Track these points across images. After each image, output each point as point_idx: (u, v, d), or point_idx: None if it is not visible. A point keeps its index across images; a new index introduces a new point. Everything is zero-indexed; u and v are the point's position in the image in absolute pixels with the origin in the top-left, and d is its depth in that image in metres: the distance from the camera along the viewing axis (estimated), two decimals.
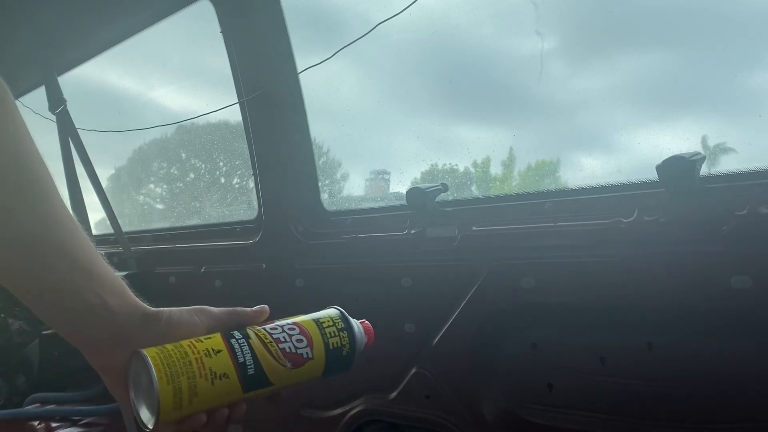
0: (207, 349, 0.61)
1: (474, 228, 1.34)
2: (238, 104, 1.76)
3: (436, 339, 1.38)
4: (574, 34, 1.56)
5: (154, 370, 0.57)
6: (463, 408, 1.35)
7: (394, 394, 1.47)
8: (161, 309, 0.64)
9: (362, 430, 1.56)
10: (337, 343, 0.69)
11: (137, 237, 2.33)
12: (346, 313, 0.73)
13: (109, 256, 2.30)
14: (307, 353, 0.67)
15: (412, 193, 1.40)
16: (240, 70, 1.73)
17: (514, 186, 1.71)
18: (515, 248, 1.26)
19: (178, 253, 2.08)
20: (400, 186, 1.86)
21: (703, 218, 1.04)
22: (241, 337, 0.64)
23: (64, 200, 0.60)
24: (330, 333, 0.69)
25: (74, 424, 2.06)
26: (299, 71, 1.67)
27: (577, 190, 1.28)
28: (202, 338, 0.62)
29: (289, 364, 0.65)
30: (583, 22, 1.51)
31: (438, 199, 1.43)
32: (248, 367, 0.62)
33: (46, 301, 0.59)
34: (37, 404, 2.21)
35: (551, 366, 1.24)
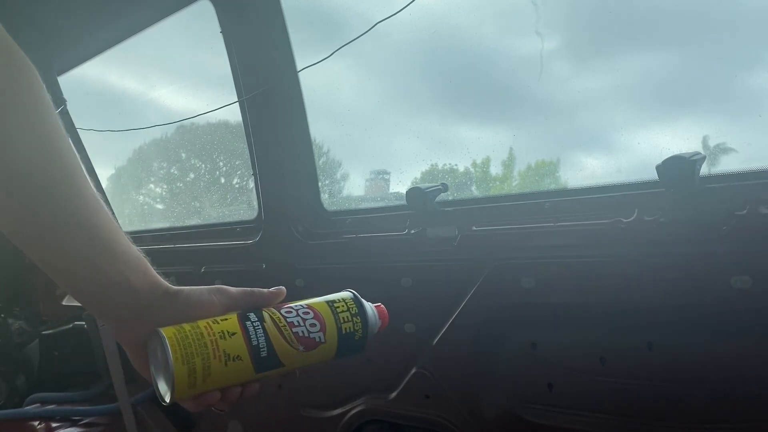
0: (222, 331, 0.62)
1: (474, 228, 1.34)
2: (237, 105, 1.77)
3: (436, 339, 1.38)
4: (575, 34, 1.56)
5: (170, 350, 0.59)
6: (463, 408, 1.35)
7: (394, 394, 1.47)
8: (182, 288, 0.66)
9: (362, 430, 1.56)
10: (350, 328, 0.70)
11: (137, 237, 2.31)
12: (360, 297, 0.73)
13: None
14: (319, 337, 0.68)
15: (412, 193, 1.40)
16: (240, 70, 1.73)
17: (514, 186, 1.71)
18: (515, 248, 1.26)
19: (178, 253, 2.08)
20: (400, 186, 1.86)
21: (703, 218, 1.04)
22: (257, 319, 0.65)
23: None
24: (344, 318, 0.70)
25: (74, 424, 2.06)
26: (299, 70, 1.67)
27: (577, 190, 1.28)
28: (218, 319, 0.64)
29: (301, 348, 0.66)
30: (584, 22, 1.51)
31: (438, 199, 1.43)
32: (261, 349, 0.63)
33: (70, 277, 0.61)
34: (37, 404, 2.21)
35: (551, 366, 1.24)
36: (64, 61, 2.27)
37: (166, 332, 0.60)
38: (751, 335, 1.02)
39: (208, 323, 0.63)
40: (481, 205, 1.40)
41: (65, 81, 2.25)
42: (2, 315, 2.56)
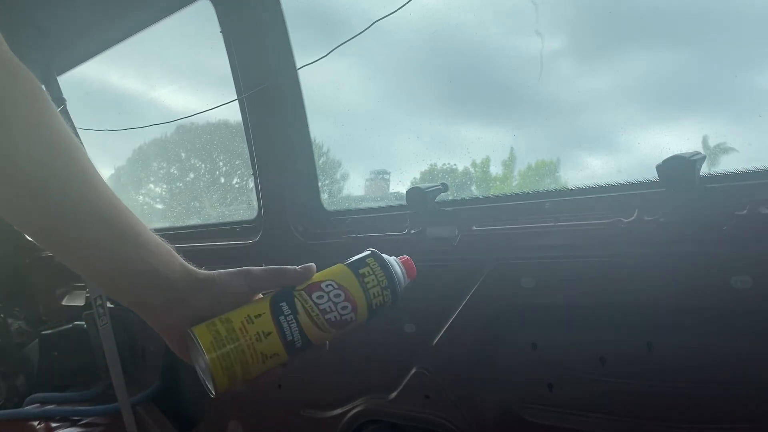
0: (258, 333, 0.63)
1: (474, 228, 1.34)
2: (237, 105, 1.76)
3: (436, 339, 1.38)
4: (575, 34, 1.56)
5: (209, 360, 0.60)
6: (463, 408, 1.35)
7: (394, 394, 1.47)
8: (210, 273, 0.67)
9: (362, 430, 1.56)
10: (380, 302, 0.70)
11: None
12: (386, 261, 0.71)
13: None
14: (351, 318, 0.68)
15: (412, 193, 1.40)
16: (240, 70, 1.73)
17: (514, 186, 1.71)
18: (515, 248, 1.26)
19: (177, 253, 2.07)
20: (400, 186, 1.86)
21: (703, 218, 1.04)
22: (290, 312, 0.65)
23: None
24: (374, 294, 0.69)
25: (74, 424, 2.06)
26: (298, 68, 1.67)
27: (577, 190, 1.28)
28: (252, 316, 0.64)
29: (333, 331, 0.67)
30: (584, 22, 1.51)
31: (438, 199, 1.43)
32: (296, 342, 0.65)
33: (97, 271, 0.62)
34: (37, 404, 2.21)
35: (551, 366, 1.24)
36: (64, 61, 2.27)
37: (201, 337, 0.61)
38: (751, 335, 1.02)
39: (242, 323, 0.63)
40: (481, 205, 1.40)
41: (65, 81, 2.25)
42: (2, 315, 2.56)
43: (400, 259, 0.74)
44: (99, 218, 0.59)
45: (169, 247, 0.66)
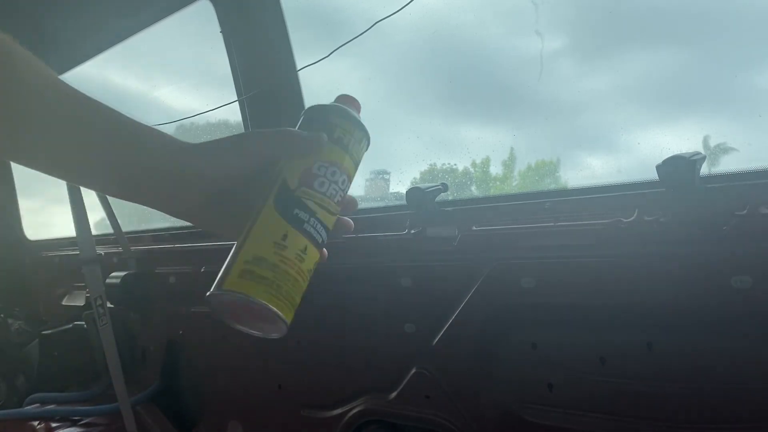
0: (297, 253, 0.57)
1: (474, 228, 1.34)
2: (238, 105, 1.77)
3: (436, 339, 1.38)
4: (575, 34, 1.56)
5: (277, 310, 0.55)
6: (463, 408, 1.35)
7: (394, 394, 1.47)
8: (205, 141, 0.60)
9: (362, 430, 1.56)
10: (359, 155, 0.66)
11: (137, 237, 2.33)
12: (349, 113, 0.65)
13: (109, 256, 2.30)
14: (347, 187, 0.64)
15: (412, 193, 1.40)
16: (240, 70, 1.73)
17: (514, 186, 1.71)
18: (515, 248, 1.26)
19: (178, 253, 2.08)
20: (400, 186, 1.86)
21: (703, 218, 1.04)
22: (309, 216, 0.59)
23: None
24: (355, 152, 0.64)
25: (74, 424, 2.06)
26: (298, 69, 1.67)
27: (577, 190, 1.28)
28: (279, 241, 0.57)
29: (339, 210, 0.64)
30: (584, 22, 1.51)
31: (438, 199, 1.43)
32: (324, 240, 0.62)
33: (70, 167, 0.57)
34: (37, 404, 2.21)
35: (551, 366, 1.24)
36: (64, 61, 2.27)
37: (252, 292, 0.54)
38: (751, 335, 1.02)
39: (275, 252, 0.56)
40: (481, 205, 1.40)
41: (65, 81, 2.25)
42: (2, 315, 2.56)
43: (341, 100, 0.68)
44: (76, 107, 0.56)
45: (154, 127, 0.59)
